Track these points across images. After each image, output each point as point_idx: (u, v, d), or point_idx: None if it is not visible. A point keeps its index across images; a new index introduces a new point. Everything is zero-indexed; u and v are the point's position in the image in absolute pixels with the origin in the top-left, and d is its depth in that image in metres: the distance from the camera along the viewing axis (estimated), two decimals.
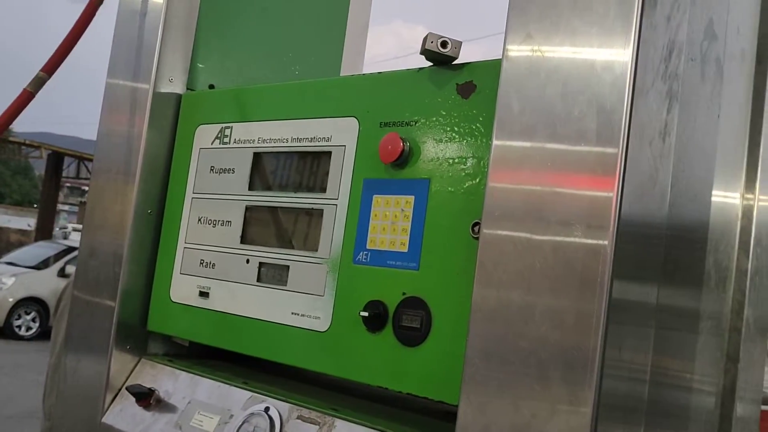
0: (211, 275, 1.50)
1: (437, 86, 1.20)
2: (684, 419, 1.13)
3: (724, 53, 1.16)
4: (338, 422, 1.22)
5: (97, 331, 1.58)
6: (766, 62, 1.26)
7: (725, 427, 1.19)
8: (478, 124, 1.14)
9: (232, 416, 1.35)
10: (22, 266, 12.16)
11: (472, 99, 1.16)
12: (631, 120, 0.92)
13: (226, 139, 1.53)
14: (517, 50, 1.02)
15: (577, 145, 0.95)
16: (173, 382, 1.50)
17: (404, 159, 1.21)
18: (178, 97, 1.63)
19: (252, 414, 1.31)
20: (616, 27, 0.94)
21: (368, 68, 1.60)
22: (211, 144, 1.56)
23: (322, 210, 1.33)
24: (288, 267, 1.36)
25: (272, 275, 1.40)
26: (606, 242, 0.90)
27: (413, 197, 1.20)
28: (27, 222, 27.56)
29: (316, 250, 1.32)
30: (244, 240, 1.46)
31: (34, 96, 1.60)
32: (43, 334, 11.12)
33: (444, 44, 1.17)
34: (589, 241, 0.92)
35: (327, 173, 1.34)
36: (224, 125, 1.54)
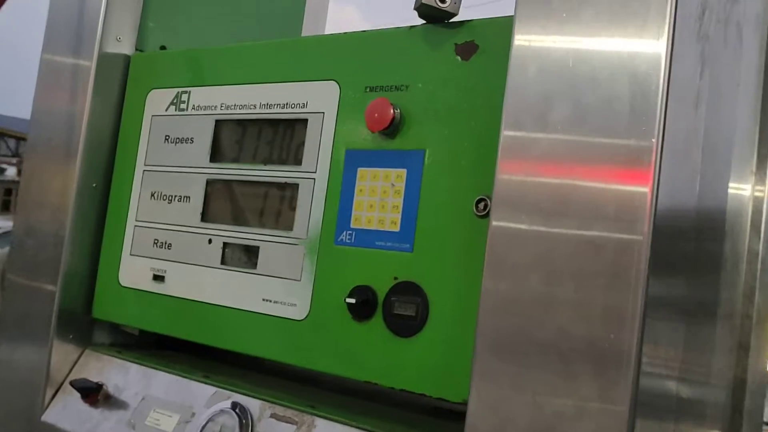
0: (167, 257, 1.34)
1: (432, 47, 1.07)
2: (700, 416, 1.05)
3: (744, 16, 1.07)
4: (318, 421, 1.09)
5: (35, 318, 1.41)
6: None
7: (737, 421, 1.11)
8: (480, 89, 1.02)
9: (194, 414, 1.21)
10: None
11: (474, 60, 1.03)
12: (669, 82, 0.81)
13: (183, 106, 1.37)
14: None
15: (607, 117, 0.83)
16: (123, 375, 1.35)
17: (395, 127, 1.08)
18: (127, 59, 1.46)
19: (218, 412, 1.17)
20: None
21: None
22: (166, 111, 1.39)
23: (297, 184, 1.19)
24: (258, 248, 1.22)
25: (239, 257, 1.25)
26: (640, 236, 0.79)
27: (405, 170, 1.07)
28: None
29: (291, 229, 1.18)
30: (205, 218, 1.31)
31: None
32: None
33: None
34: (620, 232, 0.81)
35: (302, 143, 1.20)
36: (181, 90, 1.38)
